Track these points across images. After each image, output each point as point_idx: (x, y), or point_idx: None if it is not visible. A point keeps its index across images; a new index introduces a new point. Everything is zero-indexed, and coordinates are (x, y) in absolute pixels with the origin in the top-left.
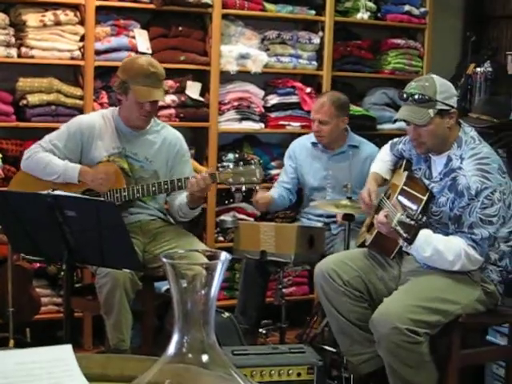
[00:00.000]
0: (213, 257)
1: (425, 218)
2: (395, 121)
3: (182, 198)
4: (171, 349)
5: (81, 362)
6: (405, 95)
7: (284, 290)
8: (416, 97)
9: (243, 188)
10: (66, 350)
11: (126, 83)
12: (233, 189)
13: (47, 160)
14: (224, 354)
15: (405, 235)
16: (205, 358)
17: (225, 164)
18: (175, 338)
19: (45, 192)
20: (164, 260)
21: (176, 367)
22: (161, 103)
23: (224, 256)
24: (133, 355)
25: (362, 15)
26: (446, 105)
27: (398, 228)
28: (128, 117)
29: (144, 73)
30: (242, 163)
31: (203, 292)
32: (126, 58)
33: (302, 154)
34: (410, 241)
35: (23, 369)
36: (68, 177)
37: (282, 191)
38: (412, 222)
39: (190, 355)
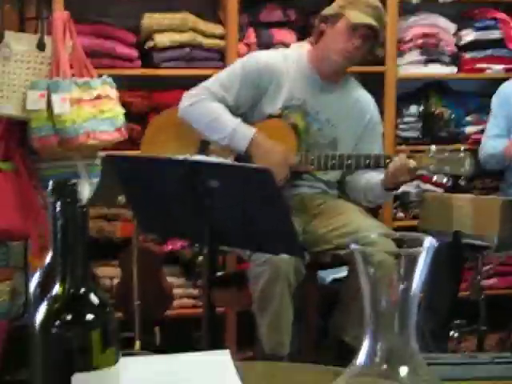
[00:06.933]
0: (411, 242)
1: None
2: None
3: (371, 176)
4: (361, 357)
5: (240, 371)
6: None
7: (483, 282)
8: None
9: (444, 180)
10: (223, 355)
11: (341, 8)
12: (434, 178)
13: (218, 113)
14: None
15: None
16: (403, 370)
17: (406, 120)
18: (365, 343)
19: (181, 157)
20: (353, 246)
21: (365, 381)
22: None
23: (429, 242)
24: (306, 364)
25: None
26: None
27: None
28: (325, 53)
29: (366, 3)
30: (447, 149)
31: (401, 287)
32: None
33: None
34: None
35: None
36: (235, 142)
37: None
38: None
39: (384, 366)
